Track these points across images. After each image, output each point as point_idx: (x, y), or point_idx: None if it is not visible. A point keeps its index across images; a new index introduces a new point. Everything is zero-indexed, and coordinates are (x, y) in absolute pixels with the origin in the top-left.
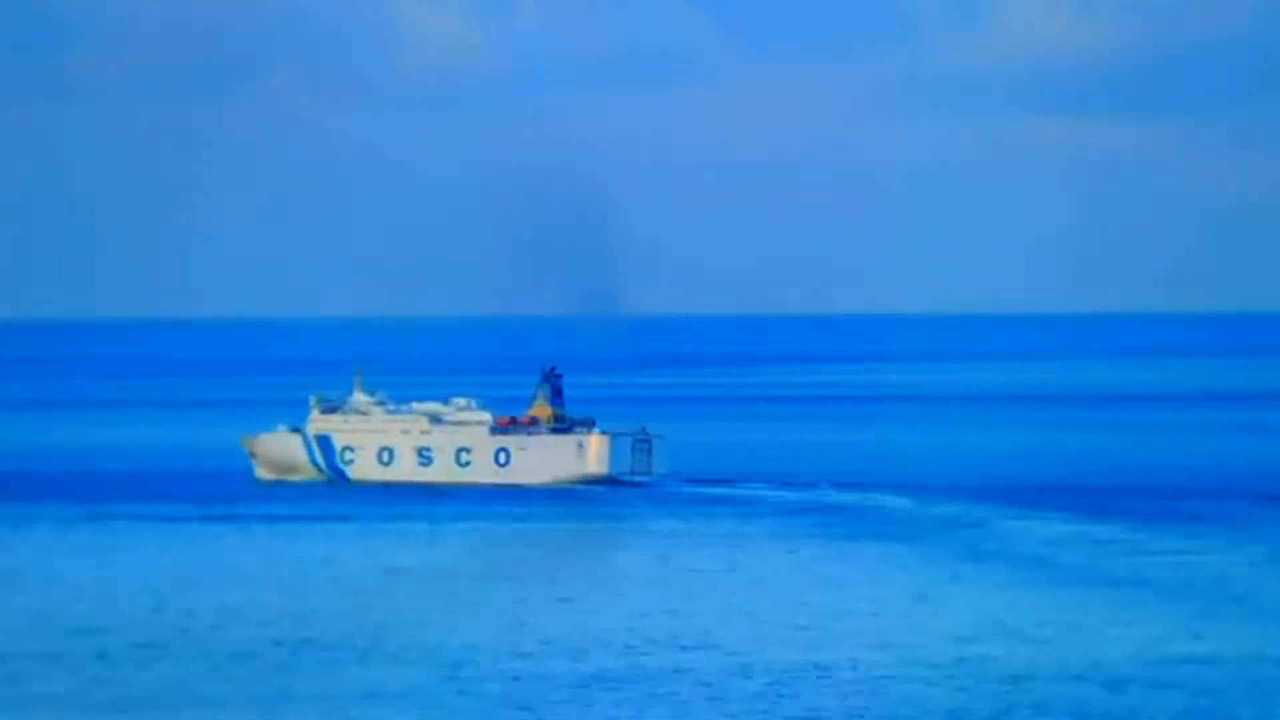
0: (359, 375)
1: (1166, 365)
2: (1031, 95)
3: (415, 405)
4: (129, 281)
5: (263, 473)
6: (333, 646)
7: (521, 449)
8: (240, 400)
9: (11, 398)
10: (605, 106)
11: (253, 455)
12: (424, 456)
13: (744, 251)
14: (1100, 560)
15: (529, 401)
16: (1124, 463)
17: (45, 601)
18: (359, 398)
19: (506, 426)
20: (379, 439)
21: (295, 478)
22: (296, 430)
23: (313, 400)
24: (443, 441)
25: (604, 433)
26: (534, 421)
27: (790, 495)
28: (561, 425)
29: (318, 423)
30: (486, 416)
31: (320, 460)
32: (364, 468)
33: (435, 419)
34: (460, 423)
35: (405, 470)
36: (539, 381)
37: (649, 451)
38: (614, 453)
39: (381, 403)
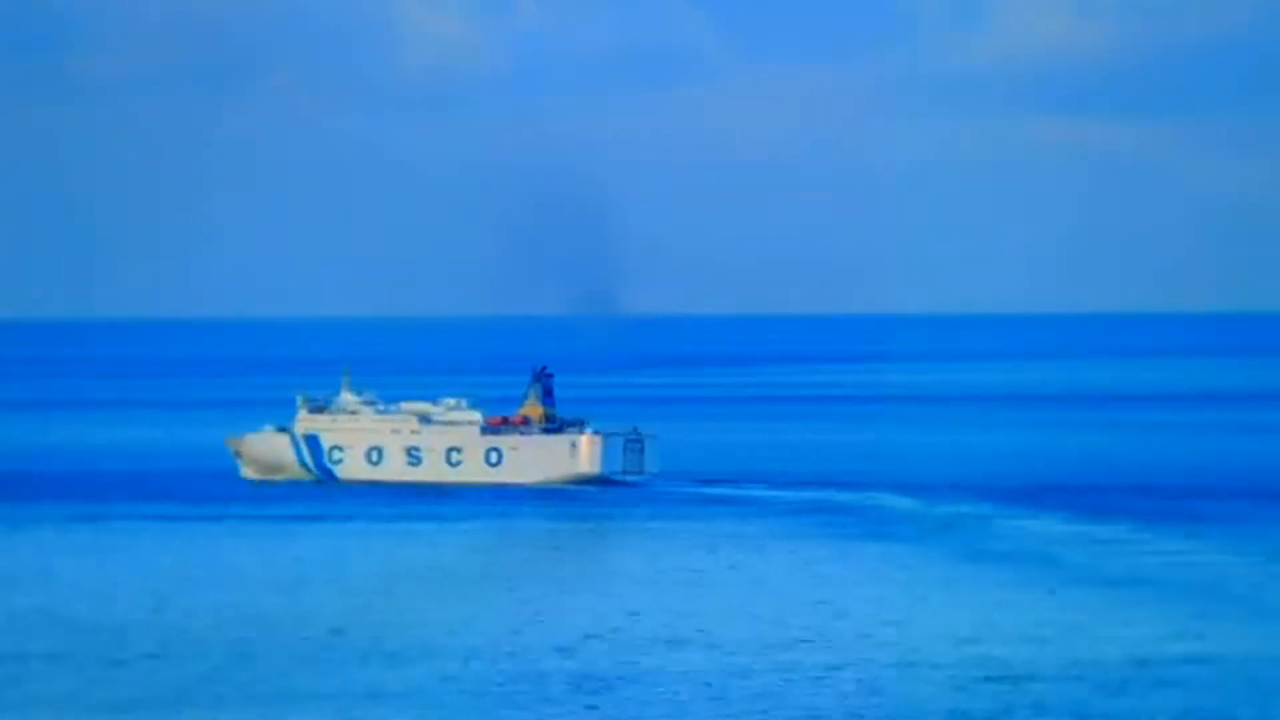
0: (347, 375)
1: (1166, 365)
2: (1031, 95)
3: (404, 405)
4: (129, 281)
5: (248, 473)
6: (333, 646)
7: (514, 449)
8: (240, 400)
9: (11, 398)
10: (605, 106)
11: (238, 455)
12: (413, 456)
13: (744, 251)
14: (1100, 560)
15: (520, 401)
16: (1124, 463)
17: (45, 601)
18: (347, 397)
19: (498, 426)
20: (368, 439)
21: (281, 477)
22: (283, 430)
23: (300, 400)
24: (433, 441)
25: (596, 432)
26: (525, 421)
27: (789, 495)
28: (553, 425)
29: (305, 422)
30: (477, 416)
31: (308, 460)
32: (353, 467)
33: (425, 419)
34: (450, 422)
35: (394, 470)
36: (530, 381)
37: (641, 451)
38: (606, 452)
39: (370, 402)
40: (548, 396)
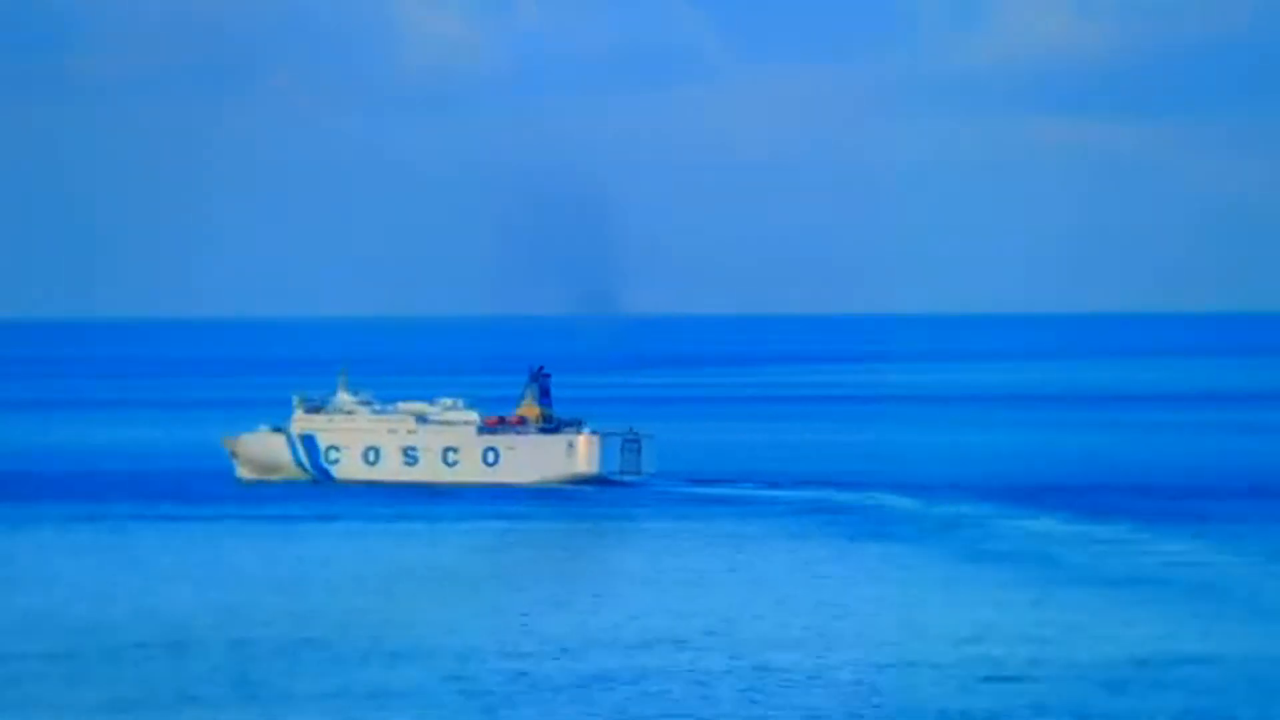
0: (343, 375)
1: (1166, 365)
2: (1031, 95)
3: (401, 405)
4: (129, 281)
5: (244, 473)
6: (333, 646)
7: (511, 448)
8: (240, 400)
9: (11, 398)
10: (605, 106)
11: (234, 455)
12: (410, 456)
13: (744, 251)
14: (1100, 560)
15: (517, 401)
16: (1124, 463)
17: (45, 601)
18: (343, 397)
19: (495, 426)
20: (365, 438)
21: (277, 477)
22: (279, 430)
23: (296, 400)
24: (429, 441)
25: (593, 432)
26: (522, 421)
27: (789, 495)
28: (549, 425)
29: (301, 422)
30: (473, 416)
31: (304, 460)
32: (349, 467)
33: (421, 419)
34: (447, 422)
35: (391, 470)
36: (527, 381)
37: (638, 451)
38: (603, 452)
39: (366, 402)
40: (544, 396)
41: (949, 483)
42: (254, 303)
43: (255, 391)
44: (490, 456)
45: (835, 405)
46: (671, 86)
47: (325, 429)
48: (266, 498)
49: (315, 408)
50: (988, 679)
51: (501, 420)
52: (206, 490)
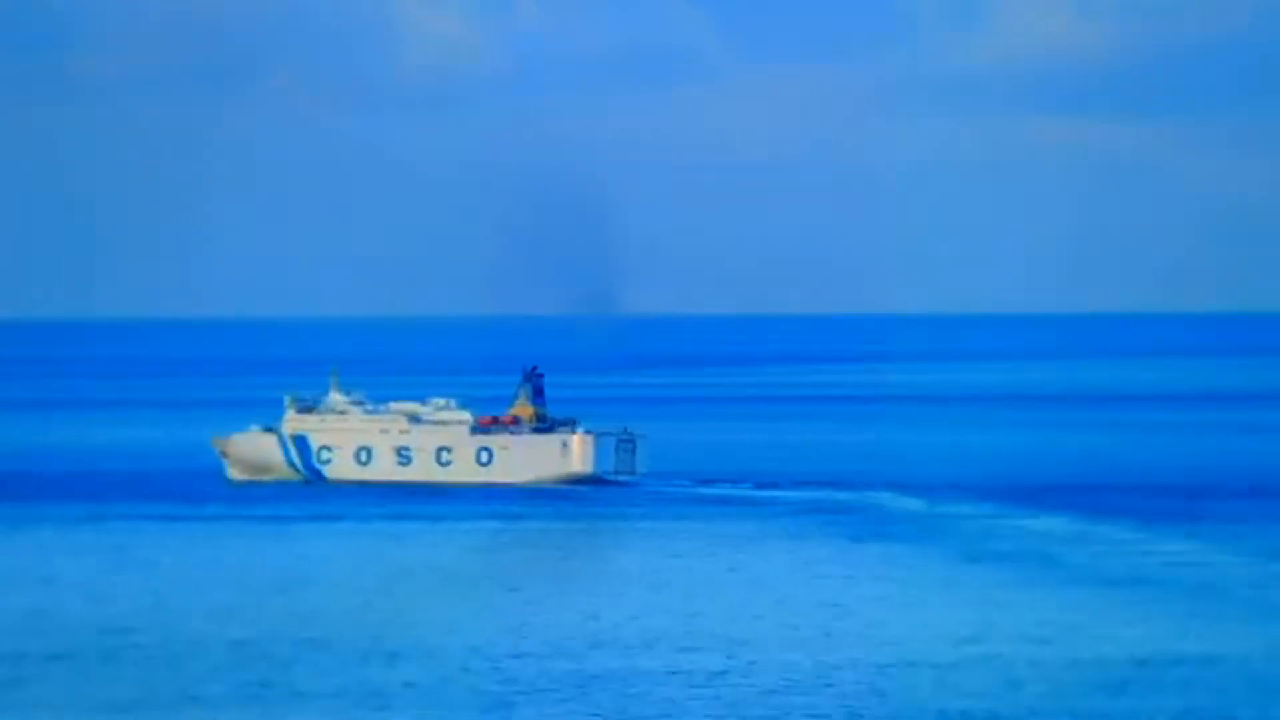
0: (335, 375)
1: (1166, 365)
2: (1031, 95)
3: (393, 405)
4: (129, 281)
5: (235, 473)
6: (333, 646)
7: (505, 448)
8: (240, 400)
9: (11, 398)
10: (605, 106)
11: (224, 455)
12: (403, 456)
13: (744, 251)
14: (1100, 560)
15: (510, 401)
16: (1124, 463)
17: (45, 601)
18: (335, 397)
19: (488, 426)
20: (357, 438)
21: (268, 478)
22: (270, 430)
23: (287, 400)
24: (423, 441)
25: (588, 432)
26: (516, 421)
27: (789, 495)
28: (543, 424)
29: (293, 422)
30: (466, 416)
31: (296, 460)
32: (342, 467)
33: (414, 419)
34: (440, 422)
35: (384, 470)
36: (520, 381)
37: (633, 451)
38: (598, 452)
39: (358, 402)
40: (538, 396)
41: (949, 483)
42: (254, 303)
43: (255, 391)
44: (484, 456)
45: (835, 405)
46: (671, 86)
47: (317, 429)
48: (267, 498)
49: (307, 408)
50: (988, 679)
51: (495, 420)
52: (210, 490)
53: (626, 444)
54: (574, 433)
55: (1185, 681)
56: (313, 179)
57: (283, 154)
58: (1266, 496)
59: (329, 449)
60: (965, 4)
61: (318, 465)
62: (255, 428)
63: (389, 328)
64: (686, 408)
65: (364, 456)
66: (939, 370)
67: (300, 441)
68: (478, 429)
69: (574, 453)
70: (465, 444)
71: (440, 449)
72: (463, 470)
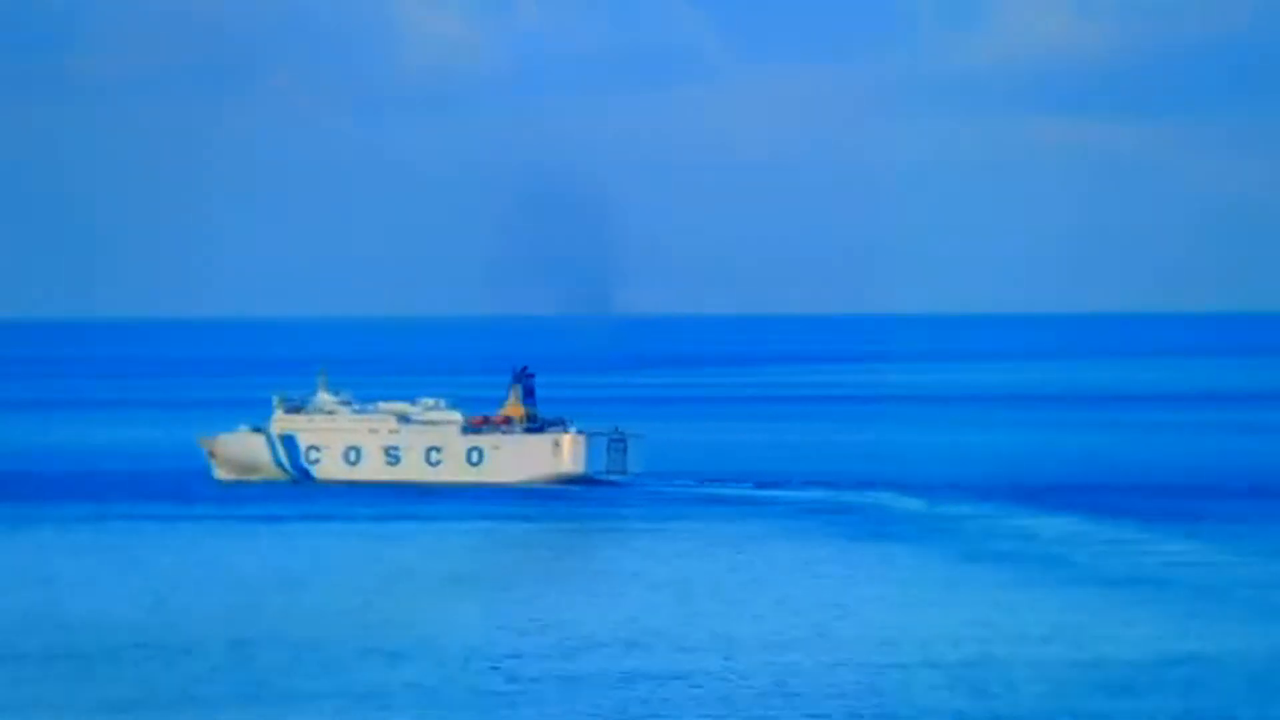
0: (323, 375)
1: (1166, 365)
2: (1031, 95)
3: (381, 405)
4: (129, 281)
5: (222, 473)
6: (332, 646)
7: (496, 448)
8: (240, 400)
9: (11, 398)
10: (605, 106)
11: (211, 455)
12: (392, 456)
13: (744, 251)
14: (1100, 560)
15: (501, 401)
16: (1124, 463)
17: (46, 601)
18: (323, 397)
19: (479, 426)
20: (346, 438)
21: (256, 478)
22: (258, 430)
23: (276, 400)
24: (412, 441)
25: (579, 432)
26: (507, 421)
27: (789, 495)
28: (534, 424)
29: (282, 422)
30: (456, 416)
31: (284, 460)
32: (330, 467)
33: (404, 418)
34: (430, 422)
35: (373, 470)
36: (511, 381)
37: (624, 451)
38: (589, 452)
39: (346, 402)
40: (529, 396)
41: (949, 483)
42: (253, 303)
43: (255, 391)
44: (475, 456)
45: (835, 405)
46: (671, 86)
47: (305, 429)
48: (275, 499)
49: (295, 408)
50: (988, 679)
51: (486, 420)
52: (210, 491)
53: (618, 444)
54: (565, 433)
55: (1185, 681)
56: (312, 179)
57: (282, 154)
58: (1266, 496)
59: (317, 449)
60: (965, 4)
61: (306, 465)
62: (244, 428)
63: (388, 328)
64: (686, 408)
65: (353, 456)
66: (939, 370)
67: (289, 441)
68: (468, 429)
69: (565, 453)
70: (455, 444)
71: (430, 449)
72: (453, 470)
